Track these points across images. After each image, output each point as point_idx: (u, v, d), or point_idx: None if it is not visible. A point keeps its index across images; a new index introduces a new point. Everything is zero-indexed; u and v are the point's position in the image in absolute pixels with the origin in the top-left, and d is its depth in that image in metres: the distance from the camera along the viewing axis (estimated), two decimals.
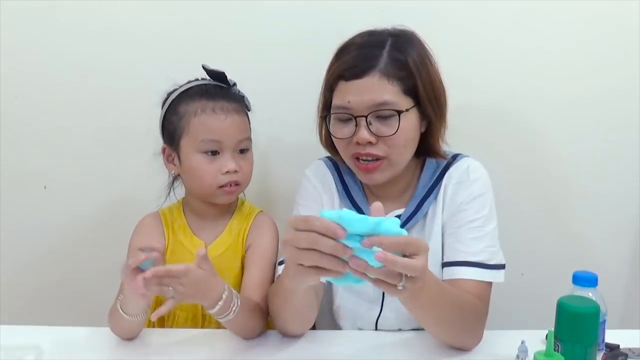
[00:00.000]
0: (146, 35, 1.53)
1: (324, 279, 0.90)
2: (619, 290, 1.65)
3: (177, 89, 1.27)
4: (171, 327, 1.28)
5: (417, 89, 1.12)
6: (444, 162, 1.23)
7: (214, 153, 1.22)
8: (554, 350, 0.90)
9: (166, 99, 1.28)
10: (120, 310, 1.08)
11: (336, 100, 1.14)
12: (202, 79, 1.28)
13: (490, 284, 1.16)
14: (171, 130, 1.25)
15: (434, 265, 1.16)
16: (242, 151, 1.26)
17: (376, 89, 1.09)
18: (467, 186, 1.19)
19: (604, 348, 1.04)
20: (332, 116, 1.16)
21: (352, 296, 1.25)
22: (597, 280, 0.98)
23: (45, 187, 1.62)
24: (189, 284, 0.99)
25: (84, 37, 1.54)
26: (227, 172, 1.22)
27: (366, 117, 1.10)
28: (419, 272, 0.85)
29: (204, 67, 1.26)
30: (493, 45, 1.54)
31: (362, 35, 1.16)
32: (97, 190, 1.61)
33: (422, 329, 1.25)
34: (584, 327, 0.89)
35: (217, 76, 1.27)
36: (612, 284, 1.55)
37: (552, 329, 0.92)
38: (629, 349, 1.09)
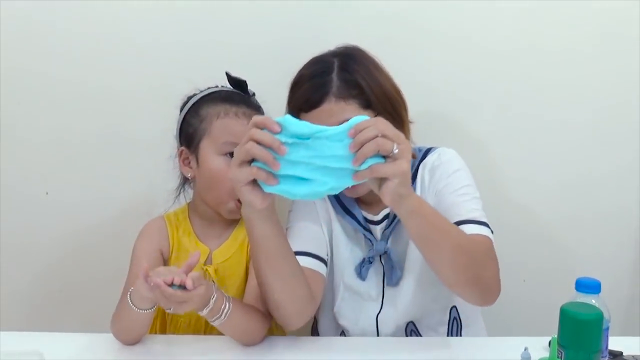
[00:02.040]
0: (149, 40, 1.54)
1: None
2: (622, 297, 1.65)
3: (197, 94, 1.29)
4: (173, 333, 1.28)
5: (372, 102, 1.17)
6: (420, 156, 1.28)
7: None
8: (557, 357, 0.90)
9: (186, 102, 1.29)
10: (130, 303, 1.07)
11: None
12: (222, 86, 1.30)
13: (489, 239, 1.16)
14: (190, 132, 1.26)
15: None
16: None
17: (335, 112, 1.15)
18: (440, 167, 1.24)
19: (607, 355, 1.04)
20: None
21: (354, 296, 1.28)
22: (600, 286, 0.97)
23: (47, 193, 1.62)
24: (187, 305, 1.01)
25: (85, 44, 1.54)
26: None
27: None
28: (403, 139, 0.96)
29: (227, 74, 1.29)
30: (491, 49, 1.54)
31: (308, 65, 1.22)
32: (99, 196, 1.61)
33: (422, 336, 1.26)
34: (587, 334, 0.89)
35: (239, 84, 1.29)
36: (615, 291, 1.54)
37: (556, 336, 0.92)
38: (633, 356, 1.08)
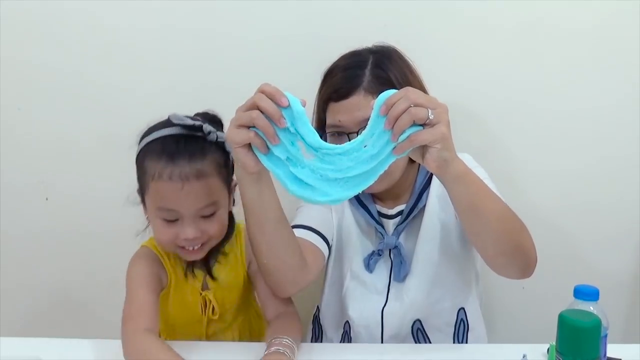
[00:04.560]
0: (150, 44, 1.54)
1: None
2: (620, 304, 1.65)
3: (148, 134, 1.16)
4: (172, 339, 1.27)
5: None
6: None
7: (172, 220, 1.12)
8: None
9: (140, 141, 1.18)
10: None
11: (328, 120, 1.22)
12: (186, 116, 1.15)
13: None
14: (139, 178, 1.16)
15: (432, 246, 1.25)
16: (205, 216, 1.13)
17: (362, 105, 1.15)
18: None
19: None
20: (327, 134, 1.22)
21: (359, 286, 1.30)
22: (598, 294, 0.97)
23: (47, 199, 1.62)
24: None
25: (85, 50, 1.55)
26: (185, 239, 1.13)
27: (357, 132, 1.15)
28: (438, 103, 0.92)
29: (196, 114, 1.19)
30: (492, 53, 1.55)
31: (345, 57, 1.24)
32: (98, 201, 1.61)
33: (428, 335, 1.26)
34: (586, 342, 0.89)
35: (192, 127, 1.13)
36: (613, 298, 1.54)
37: (554, 343, 0.92)
38: None
